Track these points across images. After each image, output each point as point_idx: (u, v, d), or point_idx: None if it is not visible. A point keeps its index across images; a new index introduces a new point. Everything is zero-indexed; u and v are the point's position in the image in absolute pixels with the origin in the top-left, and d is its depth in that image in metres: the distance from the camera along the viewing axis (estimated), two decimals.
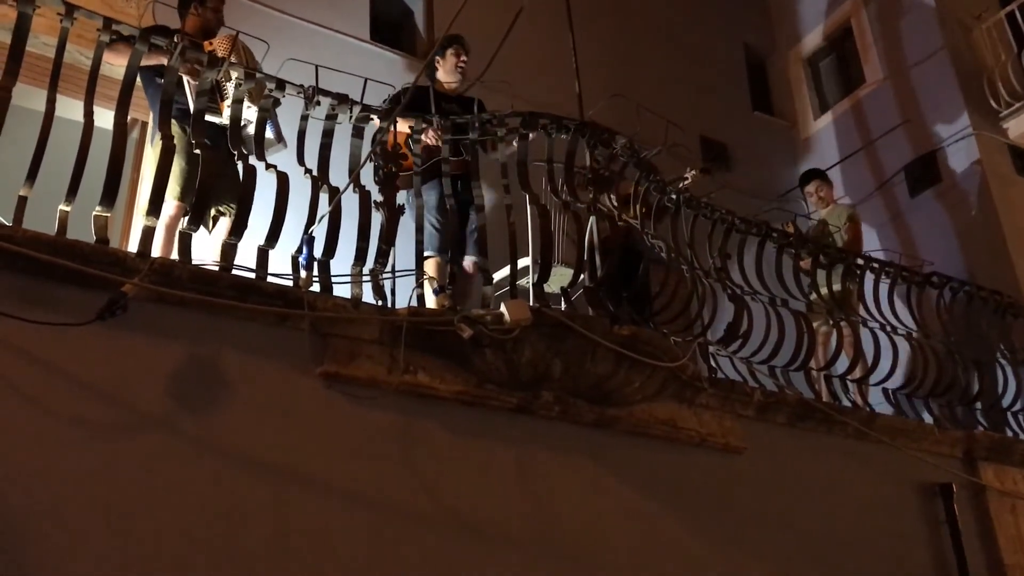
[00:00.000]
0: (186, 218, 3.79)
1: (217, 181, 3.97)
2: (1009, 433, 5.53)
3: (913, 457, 4.87)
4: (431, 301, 4.35)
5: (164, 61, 3.98)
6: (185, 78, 4.18)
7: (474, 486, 3.60)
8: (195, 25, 4.76)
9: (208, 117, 3.96)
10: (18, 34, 3.37)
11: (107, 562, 2.85)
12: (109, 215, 3.37)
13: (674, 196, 4.71)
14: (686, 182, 5.73)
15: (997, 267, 7.23)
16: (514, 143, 4.25)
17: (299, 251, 3.79)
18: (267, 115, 3.96)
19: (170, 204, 4.31)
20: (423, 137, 4.30)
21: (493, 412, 3.77)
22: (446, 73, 5.32)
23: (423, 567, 3.37)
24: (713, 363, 4.61)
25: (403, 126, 4.39)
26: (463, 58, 5.30)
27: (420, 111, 4.39)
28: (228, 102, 4.23)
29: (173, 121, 3.80)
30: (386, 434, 3.50)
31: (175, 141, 3.74)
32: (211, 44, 4.38)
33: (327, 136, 3.99)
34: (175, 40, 3.71)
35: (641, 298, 5.13)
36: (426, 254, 4.22)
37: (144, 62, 3.81)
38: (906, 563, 4.63)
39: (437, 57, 5.28)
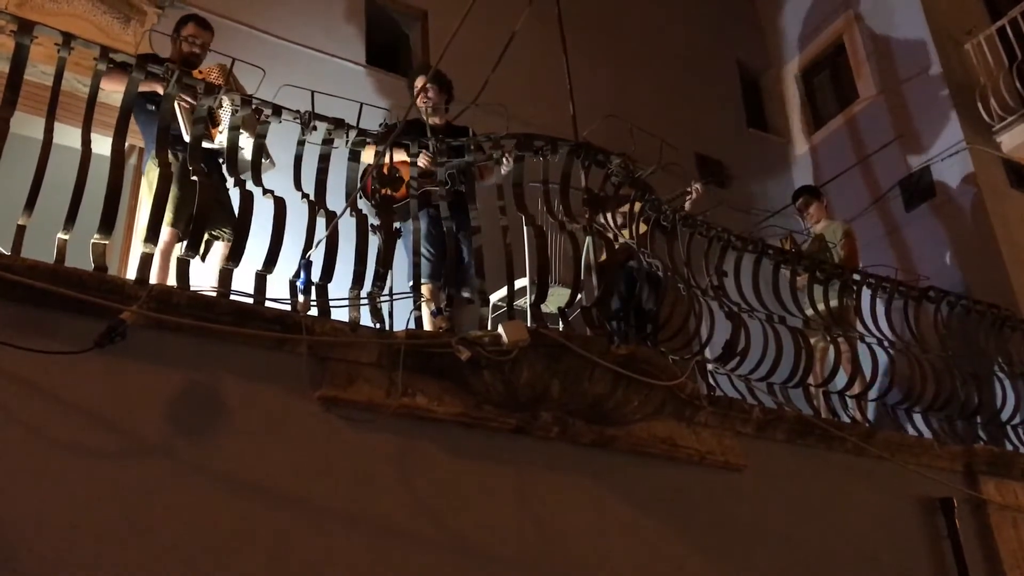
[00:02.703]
0: (180, 244, 3.81)
1: (211, 206, 3.99)
2: (1009, 447, 5.53)
3: (913, 472, 4.87)
4: (428, 323, 4.37)
5: (154, 87, 4.03)
6: (177, 105, 4.21)
7: (474, 508, 3.60)
8: (176, 53, 4.82)
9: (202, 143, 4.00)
10: (16, 64, 3.40)
11: None
12: (107, 242, 3.38)
13: (670, 214, 4.73)
14: (690, 196, 5.76)
15: (993, 280, 7.24)
16: (508, 164, 4.29)
17: (296, 275, 3.80)
18: (263, 141, 3.98)
19: (163, 230, 4.34)
20: (418, 162, 4.32)
21: (492, 433, 3.77)
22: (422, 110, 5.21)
23: None
24: (711, 381, 4.62)
25: (400, 155, 4.42)
26: (428, 94, 5.15)
27: (413, 141, 4.38)
28: (222, 127, 4.25)
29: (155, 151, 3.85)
30: (385, 457, 3.50)
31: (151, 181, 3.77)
32: (200, 73, 4.43)
33: (324, 161, 4.01)
34: (168, 68, 3.73)
35: (640, 317, 5.14)
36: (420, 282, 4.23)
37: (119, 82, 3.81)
38: None
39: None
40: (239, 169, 3.93)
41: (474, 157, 4.38)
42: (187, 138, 4.23)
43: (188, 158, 3.83)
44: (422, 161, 4.47)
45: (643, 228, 4.72)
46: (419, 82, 5.20)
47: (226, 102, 4.04)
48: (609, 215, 4.56)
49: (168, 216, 4.32)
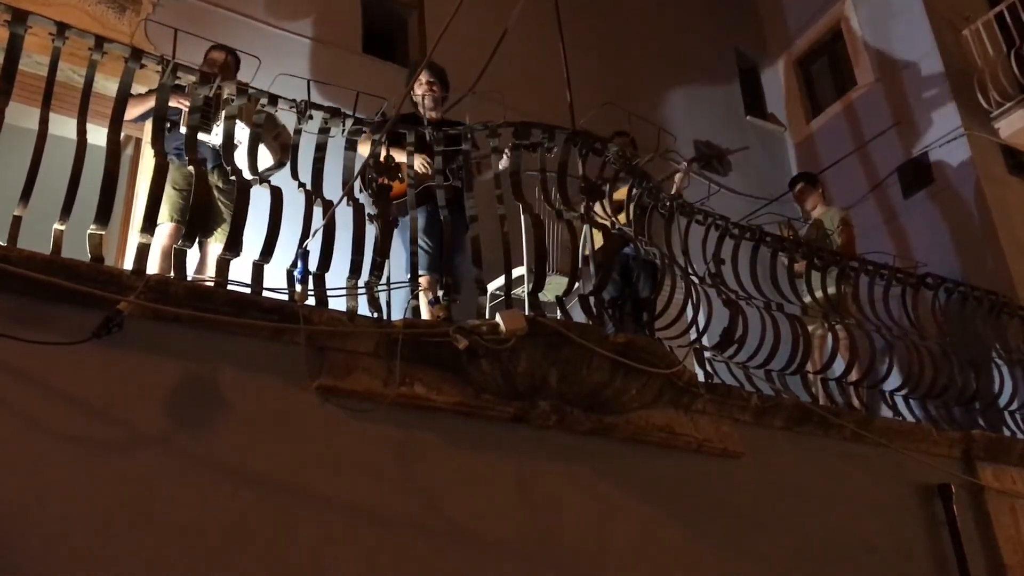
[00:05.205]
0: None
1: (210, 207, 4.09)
2: (1007, 433, 5.54)
3: (911, 458, 4.88)
4: (426, 312, 4.36)
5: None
6: (181, 106, 4.29)
7: (472, 496, 3.60)
8: None
9: (201, 136, 4.01)
10: (10, 54, 3.38)
11: None
12: (104, 233, 3.37)
13: (668, 202, 4.72)
14: (678, 174, 5.77)
15: (991, 267, 7.25)
16: (505, 156, 4.29)
17: (294, 265, 3.80)
18: (260, 131, 3.97)
19: (165, 227, 4.40)
20: (414, 165, 4.32)
21: (490, 422, 3.77)
22: (420, 99, 5.27)
23: None
24: (709, 368, 4.62)
25: (397, 155, 4.41)
26: (433, 87, 5.25)
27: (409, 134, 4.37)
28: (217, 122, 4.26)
29: (173, 158, 3.91)
30: (383, 446, 3.50)
31: (172, 180, 3.81)
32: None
33: (320, 150, 4.00)
34: (164, 60, 3.72)
35: (638, 305, 5.14)
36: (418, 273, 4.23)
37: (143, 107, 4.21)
38: (906, 565, 4.64)
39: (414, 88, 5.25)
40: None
41: (469, 146, 4.36)
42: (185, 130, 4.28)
43: (186, 150, 3.82)
44: (419, 166, 4.46)
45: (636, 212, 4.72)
46: (424, 77, 5.21)
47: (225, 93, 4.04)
48: (605, 201, 4.56)
49: (171, 214, 4.43)
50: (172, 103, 4.06)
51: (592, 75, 7.34)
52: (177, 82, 3.83)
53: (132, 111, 4.38)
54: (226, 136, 3.88)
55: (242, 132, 3.99)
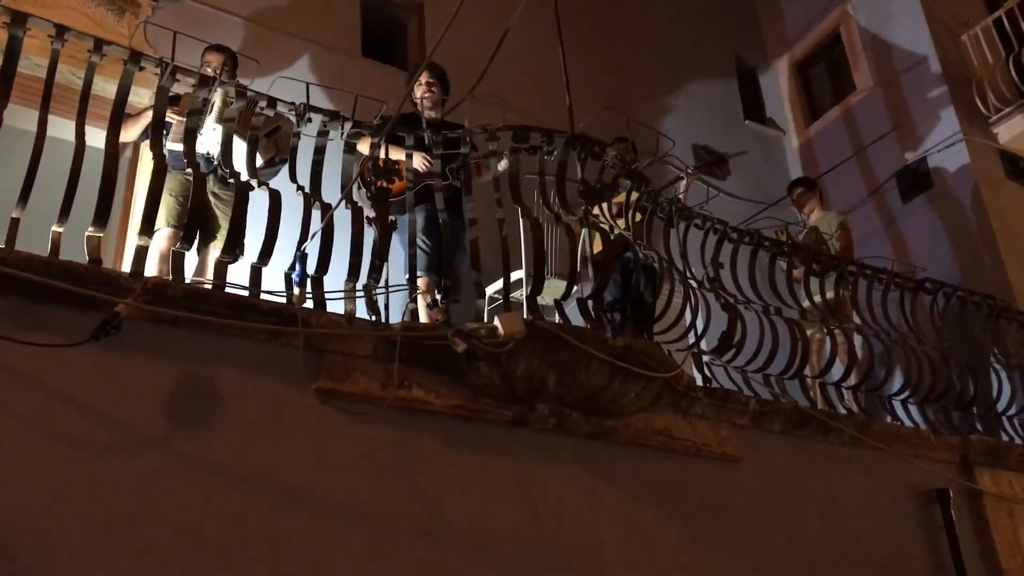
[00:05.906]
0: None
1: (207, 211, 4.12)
2: (1004, 437, 5.54)
3: (909, 463, 4.88)
4: (424, 315, 4.36)
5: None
6: (172, 119, 4.30)
7: (471, 500, 3.60)
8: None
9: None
10: (9, 56, 3.38)
11: None
12: (102, 235, 3.37)
13: (666, 206, 4.72)
14: (683, 182, 5.77)
15: (989, 271, 7.25)
16: (504, 160, 4.29)
17: (292, 268, 3.80)
18: (258, 133, 3.97)
19: (163, 232, 4.40)
20: (413, 164, 4.33)
21: (489, 425, 3.77)
22: (420, 101, 5.31)
23: None
24: (708, 372, 4.62)
25: (396, 154, 4.41)
26: (432, 88, 5.28)
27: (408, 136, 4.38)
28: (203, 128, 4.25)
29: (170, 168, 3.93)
30: (382, 449, 3.50)
31: (169, 187, 3.88)
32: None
33: (319, 153, 4.00)
34: (163, 62, 3.72)
35: (638, 308, 5.14)
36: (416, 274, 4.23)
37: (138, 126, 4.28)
38: (904, 569, 4.64)
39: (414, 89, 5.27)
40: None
41: (469, 150, 4.37)
42: (172, 146, 4.29)
43: (184, 152, 3.82)
44: (418, 164, 4.47)
45: (639, 217, 4.72)
46: (424, 77, 5.22)
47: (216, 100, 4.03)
48: (604, 206, 4.56)
49: (169, 219, 4.42)
50: (166, 118, 4.06)
51: (592, 78, 7.34)
52: (174, 89, 3.82)
53: (128, 132, 4.40)
54: (225, 139, 3.88)
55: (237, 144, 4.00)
